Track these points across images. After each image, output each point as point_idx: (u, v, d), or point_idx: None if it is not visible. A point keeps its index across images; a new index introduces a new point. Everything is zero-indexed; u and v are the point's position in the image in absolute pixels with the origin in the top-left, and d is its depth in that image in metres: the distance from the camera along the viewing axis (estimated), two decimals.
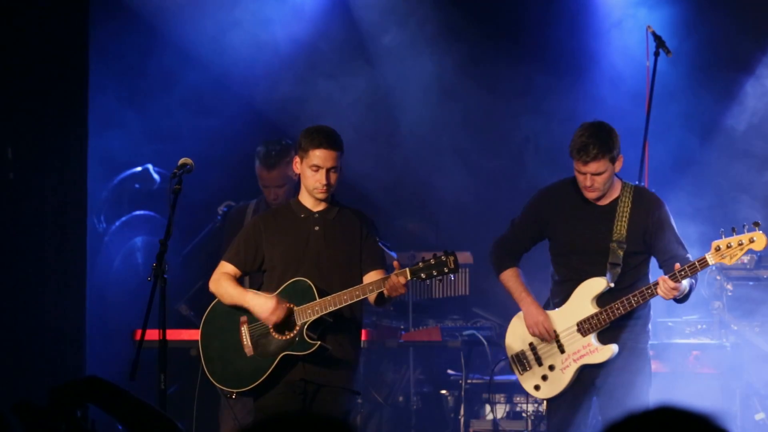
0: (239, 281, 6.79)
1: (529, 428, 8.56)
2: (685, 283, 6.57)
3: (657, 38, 8.57)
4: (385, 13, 9.96)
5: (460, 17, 9.96)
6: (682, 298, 6.67)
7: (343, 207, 6.70)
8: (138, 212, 9.83)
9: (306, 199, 6.65)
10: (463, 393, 8.77)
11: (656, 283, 6.56)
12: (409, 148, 10.07)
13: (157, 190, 9.70)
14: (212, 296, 6.78)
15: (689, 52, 9.43)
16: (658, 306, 8.32)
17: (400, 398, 9.37)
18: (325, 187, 6.52)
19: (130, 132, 9.63)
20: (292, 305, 6.51)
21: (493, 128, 9.95)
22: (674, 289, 6.50)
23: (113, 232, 9.81)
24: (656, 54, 8.56)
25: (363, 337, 8.86)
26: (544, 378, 6.83)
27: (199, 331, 6.72)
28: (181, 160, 6.40)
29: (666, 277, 6.52)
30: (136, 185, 9.80)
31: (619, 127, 6.86)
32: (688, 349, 8.27)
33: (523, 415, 8.66)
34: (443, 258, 6.44)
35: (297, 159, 6.59)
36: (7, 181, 8.65)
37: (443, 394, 9.25)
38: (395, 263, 6.47)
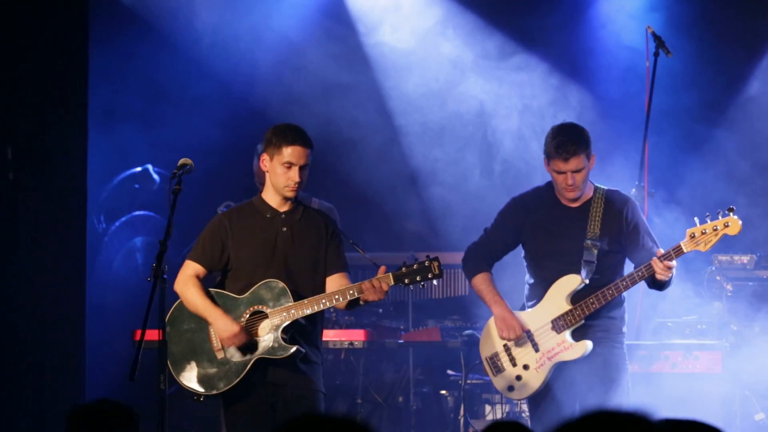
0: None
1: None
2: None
3: (657, 38, 8.56)
4: (384, 11, 9.96)
5: (459, 13, 9.96)
6: (666, 282, 6.68)
7: (306, 207, 6.63)
8: (138, 212, 9.84)
9: (271, 198, 6.55)
10: (462, 393, 8.78)
11: (638, 272, 6.59)
12: (409, 148, 10.07)
13: (157, 190, 9.70)
14: None
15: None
16: (657, 306, 8.34)
17: (400, 398, 9.36)
18: (296, 185, 6.43)
19: (130, 132, 9.64)
20: (263, 306, 6.41)
21: (493, 127, 9.95)
22: (669, 268, 6.53)
23: (113, 232, 9.82)
24: (656, 54, 8.56)
25: (363, 337, 8.91)
26: (518, 378, 6.86)
27: (164, 331, 6.45)
28: (181, 161, 6.38)
29: (657, 258, 6.54)
30: (136, 185, 9.80)
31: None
32: (688, 349, 8.27)
33: (523, 415, 8.67)
34: (427, 263, 6.39)
35: (265, 156, 6.47)
36: (7, 181, 8.66)
37: (443, 394, 9.25)
38: (383, 268, 6.38)
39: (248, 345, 6.40)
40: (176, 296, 7.88)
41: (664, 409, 8.19)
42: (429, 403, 9.37)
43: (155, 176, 9.78)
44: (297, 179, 6.41)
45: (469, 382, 8.82)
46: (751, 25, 9.77)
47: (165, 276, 6.09)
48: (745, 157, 9.54)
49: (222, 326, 6.38)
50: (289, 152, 6.40)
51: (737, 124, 9.67)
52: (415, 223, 10.14)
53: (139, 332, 6.38)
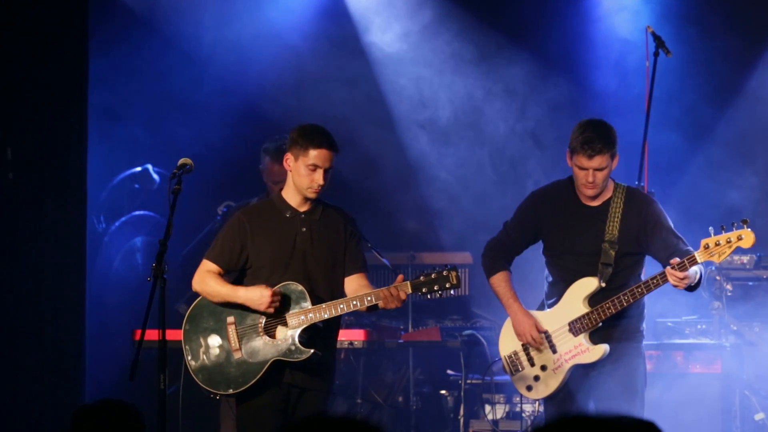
0: None
1: (529, 428, 8.56)
2: (695, 268, 6.55)
3: (657, 38, 8.55)
4: (383, 10, 9.96)
5: (459, 11, 9.96)
6: (695, 285, 6.63)
7: (326, 206, 6.60)
8: (138, 212, 9.84)
9: (292, 197, 6.53)
10: (462, 393, 8.77)
11: (654, 280, 6.56)
12: (409, 148, 10.07)
13: (157, 190, 9.70)
14: None
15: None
16: (657, 306, 8.34)
17: (400, 398, 9.36)
18: (320, 187, 6.43)
19: (130, 132, 9.64)
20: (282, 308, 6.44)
21: (494, 127, 9.95)
22: (683, 278, 6.48)
23: (113, 232, 9.82)
24: (656, 54, 8.54)
25: (363, 337, 8.91)
26: (536, 378, 6.85)
27: (182, 330, 6.54)
28: (181, 161, 6.38)
29: (670, 269, 6.49)
30: (136, 185, 9.80)
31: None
32: (688, 349, 8.28)
33: (522, 415, 8.67)
34: (445, 273, 6.38)
35: (290, 156, 6.46)
36: (7, 181, 8.66)
37: (443, 394, 9.24)
38: (401, 276, 6.39)
39: (265, 346, 6.40)
40: (176, 296, 7.87)
41: (663, 409, 8.19)
42: (429, 403, 9.36)
43: (155, 176, 9.78)
44: (321, 182, 6.41)
45: (469, 382, 8.82)
46: (748, 18, 9.76)
47: (165, 276, 6.09)
48: (744, 154, 9.53)
49: (254, 297, 6.35)
50: (315, 155, 6.40)
51: (734, 120, 9.66)
52: (413, 222, 10.13)
53: (139, 332, 6.37)
